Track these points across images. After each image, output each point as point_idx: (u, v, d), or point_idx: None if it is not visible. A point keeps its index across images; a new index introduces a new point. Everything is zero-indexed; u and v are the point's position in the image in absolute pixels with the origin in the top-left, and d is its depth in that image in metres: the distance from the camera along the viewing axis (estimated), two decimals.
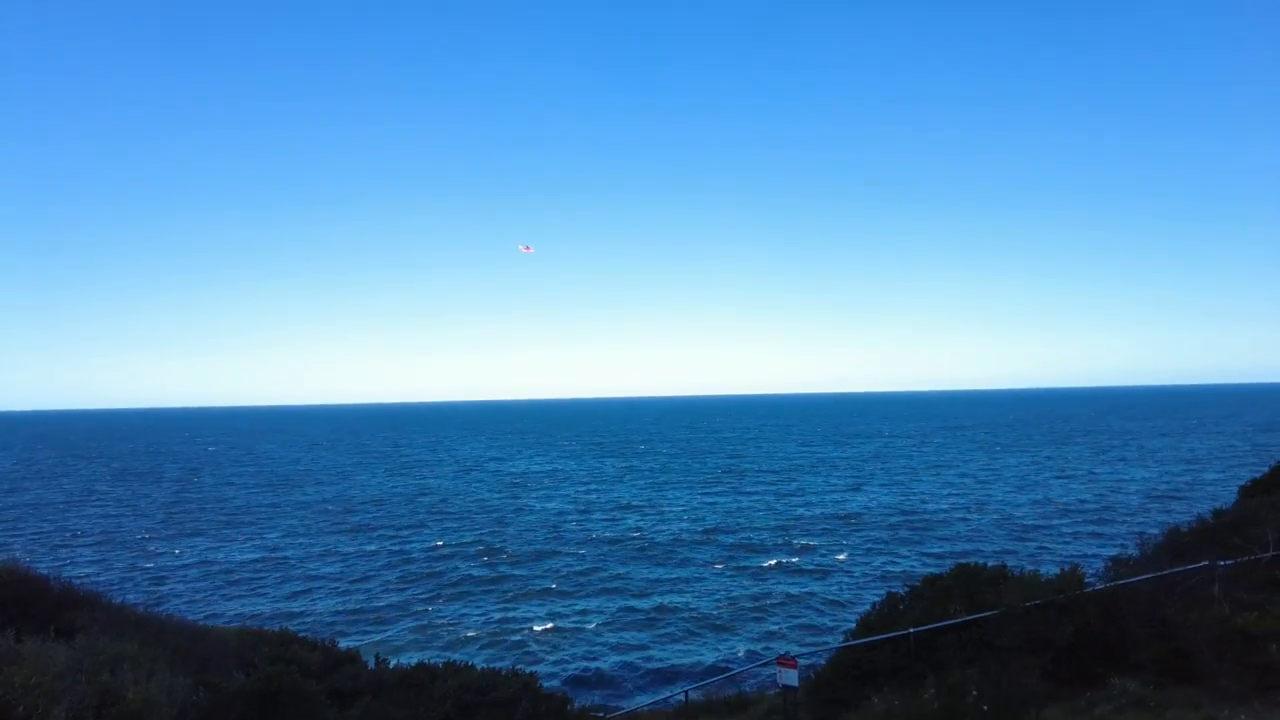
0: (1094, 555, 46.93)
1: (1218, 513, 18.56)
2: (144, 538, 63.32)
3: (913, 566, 47.26)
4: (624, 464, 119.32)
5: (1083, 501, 71.14)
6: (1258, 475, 28.99)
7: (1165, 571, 14.51)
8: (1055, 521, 61.41)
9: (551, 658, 33.82)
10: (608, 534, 60.71)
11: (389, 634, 37.31)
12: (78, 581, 17.56)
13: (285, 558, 54.68)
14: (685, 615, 39.27)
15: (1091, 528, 58.74)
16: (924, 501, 73.10)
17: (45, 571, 17.06)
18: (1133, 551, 18.19)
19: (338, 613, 41.02)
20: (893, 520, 63.71)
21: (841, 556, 51.13)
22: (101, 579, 47.98)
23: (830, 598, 41.67)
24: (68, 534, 65.68)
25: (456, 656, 33.13)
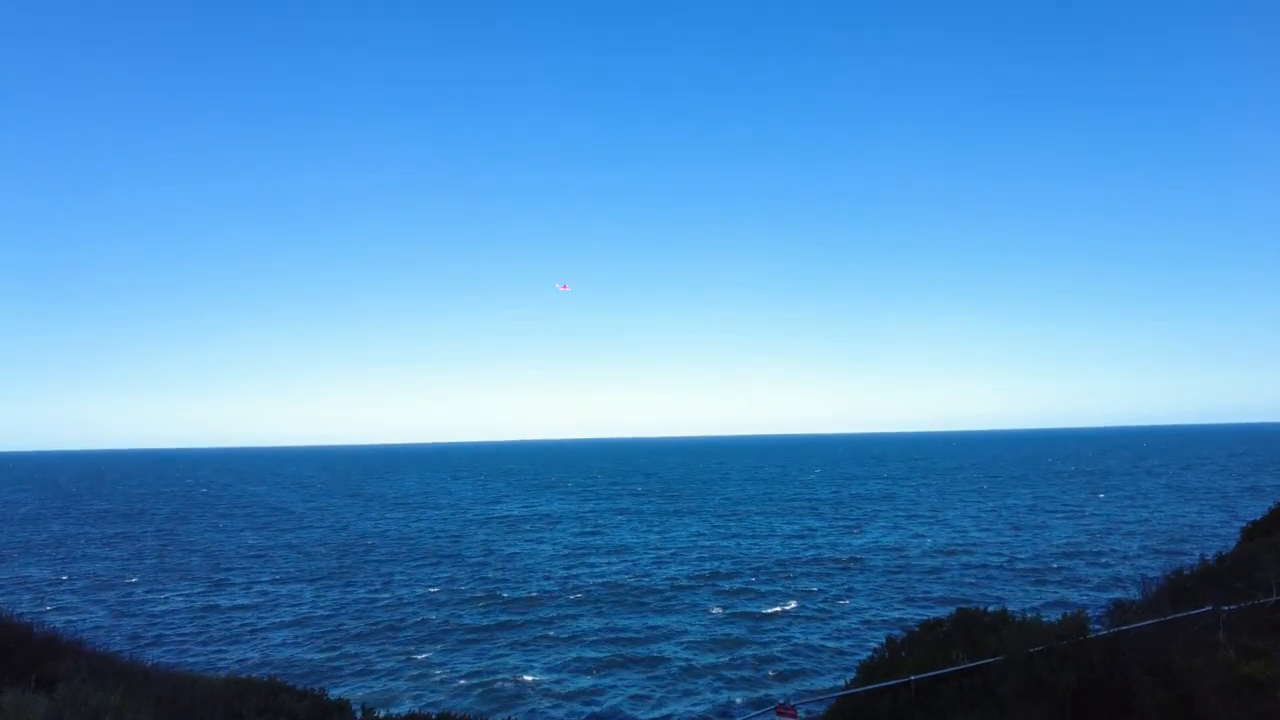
0: (1095, 598, 46.44)
1: (1220, 556, 18.41)
2: (131, 582, 62.26)
3: (913, 611, 46.64)
4: (619, 505, 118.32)
5: (1081, 543, 70.57)
6: (1257, 517, 28.83)
7: (1169, 616, 14.32)
8: (1055, 564, 60.83)
9: (546, 707, 33.07)
10: (604, 578, 59.90)
11: (380, 683, 36.51)
12: (60, 628, 17.17)
13: (275, 603, 53.73)
14: (683, 663, 38.55)
15: (1091, 570, 58.17)
16: (923, 544, 72.45)
17: (27, 618, 16.70)
18: (1134, 595, 17.99)
19: (327, 660, 40.17)
20: (892, 563, 63.05)
21: (841, 601, 50.47)
22: (85, 625, 47.03)
23: (830, 644, 41.00)
24: (51, 578, 64.57)
25: (450, 705, 32.37)
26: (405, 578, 61.92)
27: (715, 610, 48.70)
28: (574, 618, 47.69)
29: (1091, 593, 50.05)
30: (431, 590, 56.58)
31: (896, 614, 46.33)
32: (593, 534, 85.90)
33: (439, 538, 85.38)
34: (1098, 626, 15.56)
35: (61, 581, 63.38)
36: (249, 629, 46.77)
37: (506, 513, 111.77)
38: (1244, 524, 30.17)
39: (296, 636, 44.80)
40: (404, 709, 28.21)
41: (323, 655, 41.02)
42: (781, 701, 17.46)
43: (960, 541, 73.52)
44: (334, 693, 25.19)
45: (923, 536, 77.40)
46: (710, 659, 38.88)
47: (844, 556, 66.57)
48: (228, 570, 67.05)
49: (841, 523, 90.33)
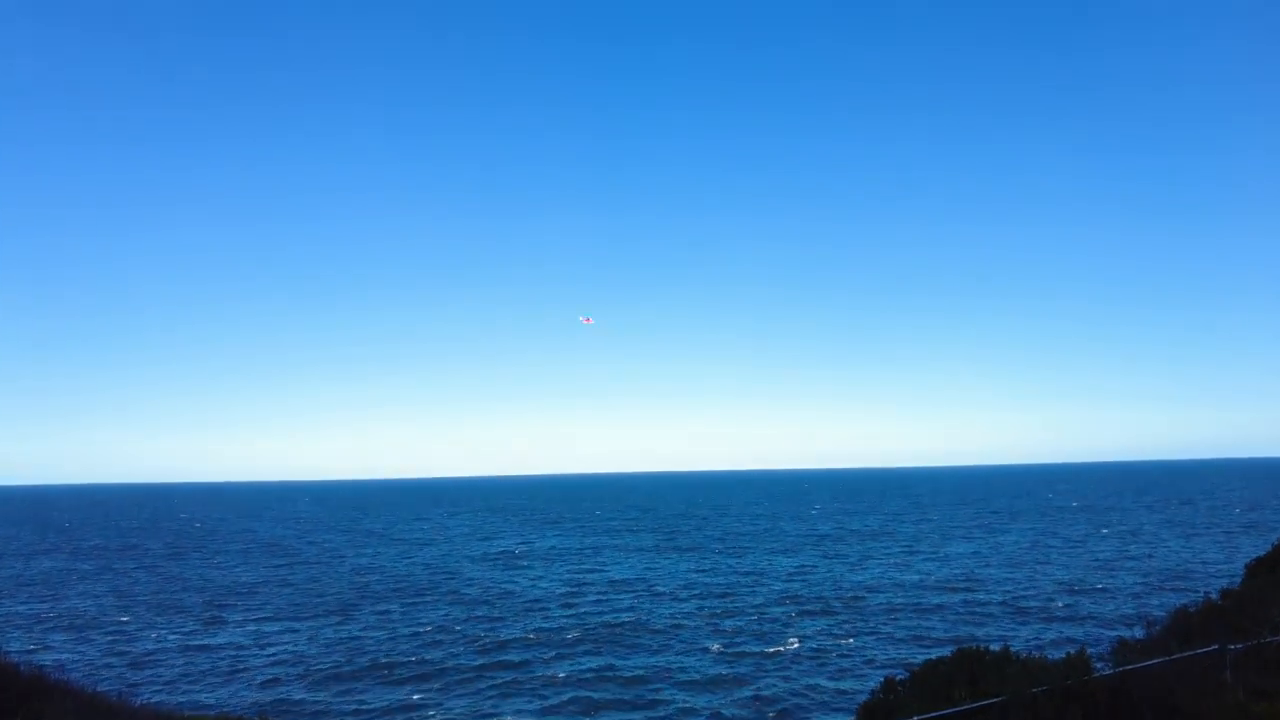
0: (1099, 636, 45.80)
1: (1225, 593, 18.21)
2: (122, 620, 61.36)
3: (914, 650, 45.99)
4: (616, 541, 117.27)
5: (1084, 580, 69.87)
6: (1260, 553, 28.58)
7: (1175, 656, 14.11)
8: (1057, 601, 60.15)
9: None
10: (601, 615, 59.12)
11: None
12: (49, 667, 16.86)
13: (268, 640, 52.93)
14: (681, 703, 37.89)
15: (1094, 607, 57.51)
16: (925, 580, 71.70)
17: (14, 657, 16.41)
18: (1139, 633, 17.75)
19: (319, 700, 39.45)
20: (894, 600, 62.33)
21: (842, 639, 49.78)
22: (75, 664, 46.25)
23: (830, 683, 40.36)
24: (42, 616, 63.66)
25: None
26: (400, 615, 61.08)
27: (715, 648, 48.00)
28: (571, 656, 46.98)
29: (1095, 630, 49.42)
30: (426, 629, 55.78)
31: (898, 652, 45.68)
32: (590, 570, 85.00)
33: (435, 574, 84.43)
34: (1102, 665, 15.32)
35: (51, 619, 62.47)
36: (241, 667, 46.01)
37: (503, 549, 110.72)
38: (1247, 560, 29.91)
39: (288, 675, 44.04)
40: None
41: (315, 694, 40.29)
42: None
43: (962, 578, 72.76)
44: None
45: (924, 573, 76.63)
46: (709, 699, 38.23)
47: (845, 594, 65.84)
48: (220, 607, 66.16)
49: (841, 559, 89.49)
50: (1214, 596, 18.64)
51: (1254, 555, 31.88)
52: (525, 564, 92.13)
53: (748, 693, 38.95)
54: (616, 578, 78.59)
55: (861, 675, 41.21)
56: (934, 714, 14.44)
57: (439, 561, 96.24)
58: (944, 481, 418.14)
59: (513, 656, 47.16)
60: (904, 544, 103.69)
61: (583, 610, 61.51)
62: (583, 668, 44.38)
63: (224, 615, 62.48)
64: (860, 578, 74.46)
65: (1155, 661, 14.03)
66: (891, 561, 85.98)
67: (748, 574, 79.27)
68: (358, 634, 54.36)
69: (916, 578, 73.60)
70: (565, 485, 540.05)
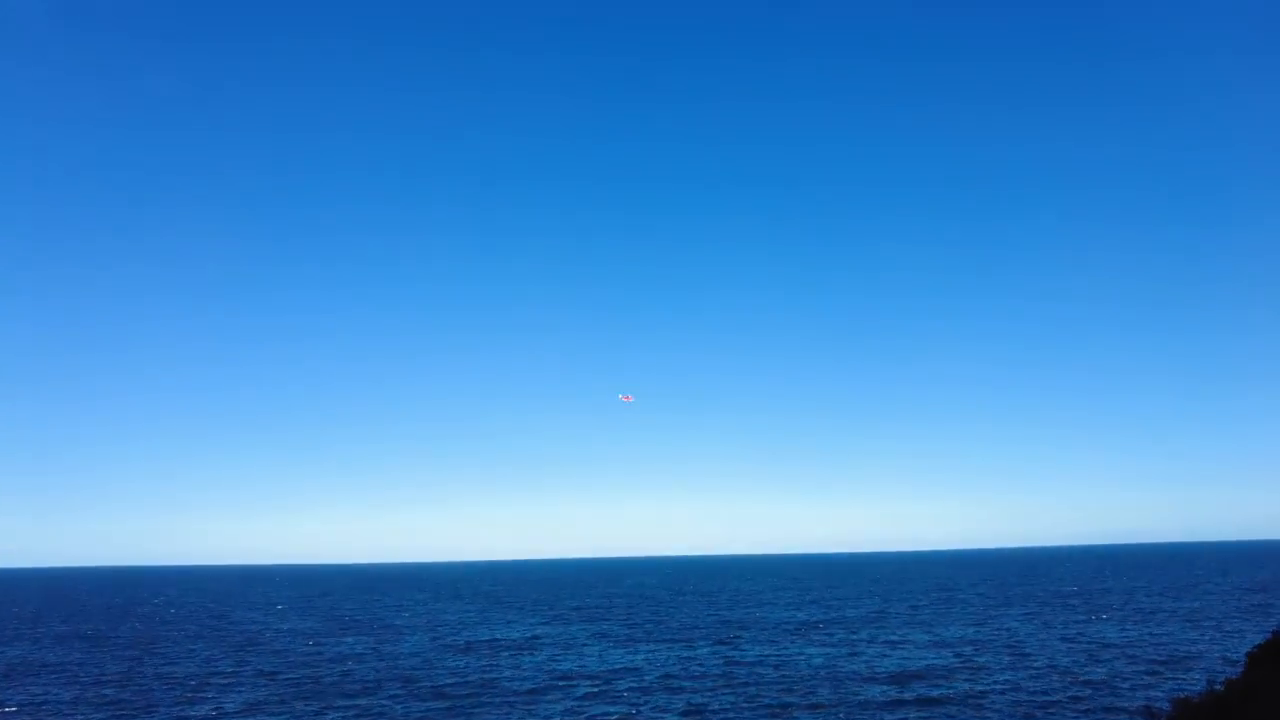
0: None
1: (1228, 682, 17.89)
2: (88, 715, 58.59)
3: None
4: (601, 629, 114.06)
5: (1084, 667, 68.33)
6: (1261, 639, 28.18)
7: None
8: (1058, 690, 58.64)
9: None
10: (583, 713, 57.04)
11: None
12: None
13: None
14: None
15: (1096, 696, 56.06)
16: (923, 668, 69.84)
17: None
18: None
19: None
20: (890, 693, 60.55)
21: None
22: None
23: None
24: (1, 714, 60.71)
25: None
26: (377, 710, 58.73)
27: None
28: None
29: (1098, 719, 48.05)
30: None
31: None
32: (575, 661, 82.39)
33: (415, 663, 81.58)
34: None
35: (12, 715, 59.58)
36: None
37: (488, 637, 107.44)
38: (1249, 648, 29.43)
39: None
40: None
41: None
42: None
43: (960, 666, 70.99)
44: None
45: (923, 664, 74.72)
46: None
47: (840, 686, 63.97)
48: (192, 701, 63.44)
49: (836, 649, 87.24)
50: (1218, 686, 18.29)
51: (1255, 641, 31.42)
52: (508, 654, 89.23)
53: None
54: (603, 667, 76.13)
55: None
56: None
57: (419, 650, 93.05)
58: (935, 566, 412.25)
59: None
60: (898, 631, 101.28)
61: (565, 704, 59.34)
62: None
63: (195, 710, 59.87)
64: (856, 666, 72.43)
65: None
66: (887, 648, 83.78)
67: (740, 663, 76.95)
68: None
69: (915, 666, 71.66)
70: (547, 570, 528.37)
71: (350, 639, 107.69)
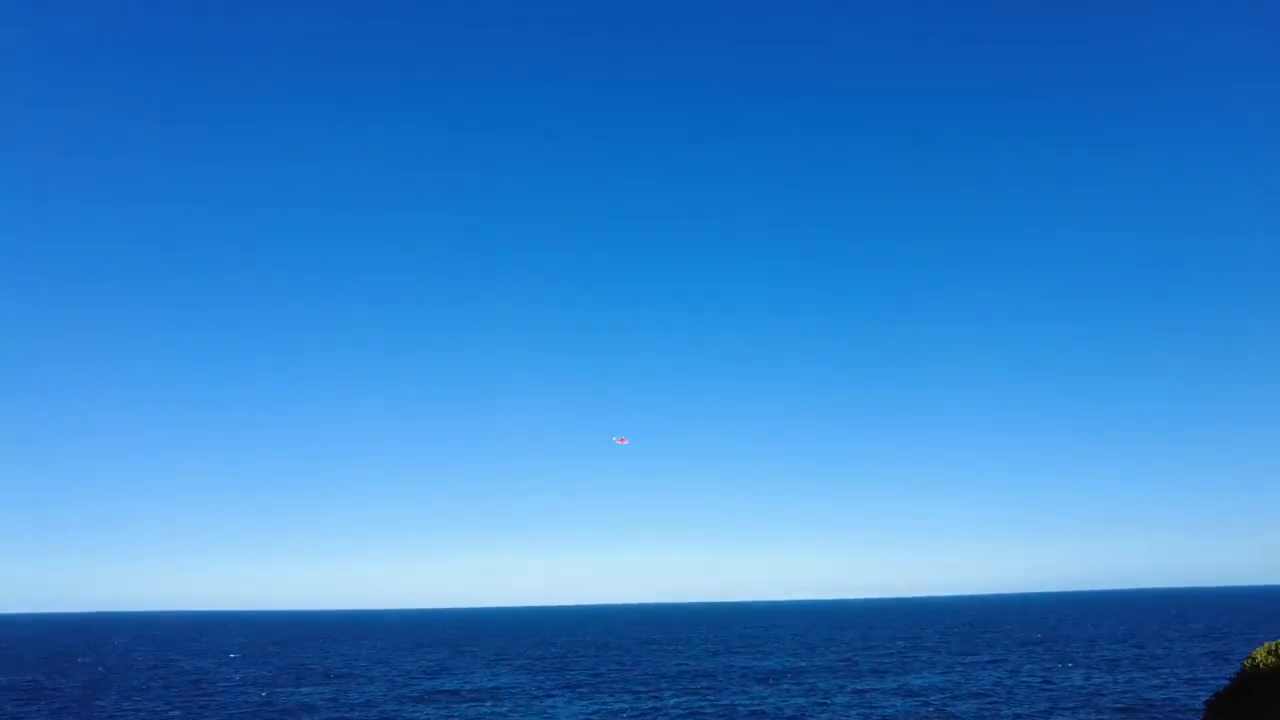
0: None
1: None
2: None
3: None
4: (569, 679, 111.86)
5: (1048, 715, 68.49)
6: (1220, 686, 28.72)
7: None
8: None
9: None
10: None
11: None
12: None
13: None
14: None
15: None
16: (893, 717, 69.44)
17: None
18: None
19: None
20: None
21: None
22: None
23: None
24: None
25: None
26: None
27: None
28: None
29: None
30: None
31: None
32: (540, 713, 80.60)
33: (373, 715, 79.13)
34: None
35: None
36: None
37: (450, 686, 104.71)
38: (1208, 695, 29.95)
39: None
40: None
41: None
42: None
43: (931, 715, 70.75)
44: None
45: (891, 709, 74.34)
46: None
47: None
48: None
49: (805, 696, 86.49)
50: None
51: (1215, 688, 31.96)
52: (467, 705, 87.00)
53: None
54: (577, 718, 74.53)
55: None
56: None
57: (378, 700, 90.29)
58: (902, 614, 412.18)
59: None
60: (868, 681, 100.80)
61: None
62: None
63: None
64: (826, 716, 71.79)
65: None
66: (855, 697, 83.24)
67: (711, 715, 75.91)
68: None
69: (885, 714, 71.23)
70: (515, 618, 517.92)
71: (306, 689, 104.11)
